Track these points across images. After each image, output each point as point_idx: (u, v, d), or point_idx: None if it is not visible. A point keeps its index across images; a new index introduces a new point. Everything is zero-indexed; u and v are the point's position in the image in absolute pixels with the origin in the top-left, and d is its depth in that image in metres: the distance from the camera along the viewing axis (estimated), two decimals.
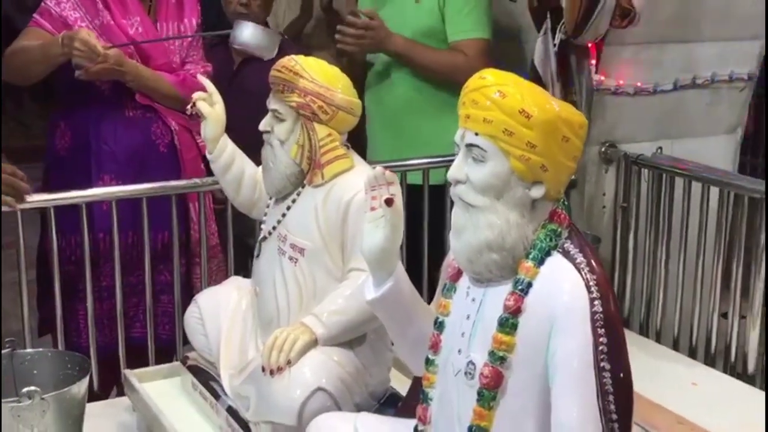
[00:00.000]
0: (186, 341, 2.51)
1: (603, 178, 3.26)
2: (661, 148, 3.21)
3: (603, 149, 3.23)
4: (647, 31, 3.03)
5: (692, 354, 2.97)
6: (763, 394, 2.61)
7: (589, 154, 3.19)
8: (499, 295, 1.55)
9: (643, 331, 3.12)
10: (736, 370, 2.87)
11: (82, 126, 2.80)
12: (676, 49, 3.23)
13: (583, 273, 1.52)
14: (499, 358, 1.53)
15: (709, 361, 2.94)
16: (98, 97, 2.77)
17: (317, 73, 2.07)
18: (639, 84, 3.22)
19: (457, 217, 1.59)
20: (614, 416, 1.49)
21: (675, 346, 3.01)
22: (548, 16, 2.94)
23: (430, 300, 1.82)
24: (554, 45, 2.91)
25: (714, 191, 2.94)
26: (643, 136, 3.27)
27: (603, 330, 1.49)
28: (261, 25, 2.21)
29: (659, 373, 2.64)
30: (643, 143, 3.24)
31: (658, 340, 3.06)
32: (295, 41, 3.46)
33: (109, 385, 2.85)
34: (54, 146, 2.87)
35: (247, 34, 2.06)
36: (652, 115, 3.27)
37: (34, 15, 2.77)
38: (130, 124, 2.81)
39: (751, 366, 2.83)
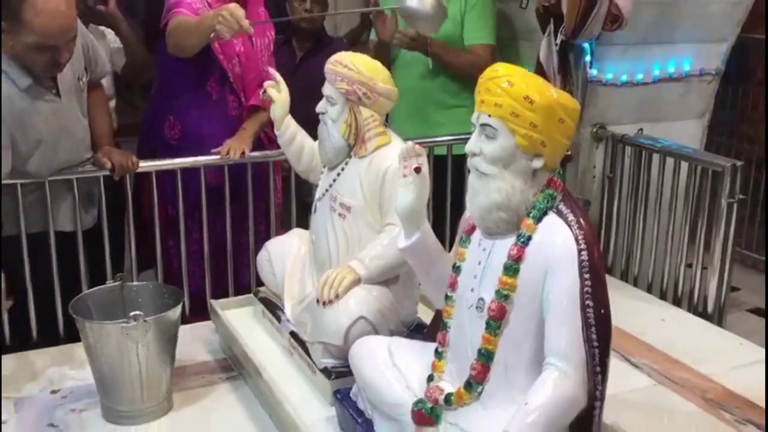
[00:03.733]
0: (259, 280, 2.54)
1: (594, 153, 3.23)
2: (642, 129, 3.17)
3: (594, 130, 3.20)
4: (632, 33, 2.99)
5: (663, 296, 2.95)
6: (718, 329, 2.61)
7: (583, 134, 3.17)
8: (505, 245, 1.55)
9: (624, 278, 3.10)
10: (697, 309, 2.85)
11: (193, 122, 2.78)
12: (656, 49, 3.18)
13: (573, 229, 1.50)
14: (503, 296, 1.53)
15: (676, 302, 2.92)
16: (207, 98, 2.76)
17: (362, 66, 2.06)
18: (625, 77, 3.17)
19: (472, 182, 1.59)
20: (595, 344, 1.48)
21: (649, 290, 2.99)
22: (552, 20, 2.90)
23: (451, 248, 1.82)
24: (556, 44, 2.88)
25: (684, 165, 2.91)
26: (627, 120, 3.23)
27: (588, 275, 1.48)
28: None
29: (635, 311, 2.63)
30: (627, 125, 3.20)
31: (635, 284, 3.04)
32: (352, 44, 3.49)
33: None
34: (163, 135, 2.82)
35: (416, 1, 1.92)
36: (635, 103, 3.23)
37: (173, 9, 2.60)
38: (231, 121, 2.80)
39: (710, 307, 2.82)
